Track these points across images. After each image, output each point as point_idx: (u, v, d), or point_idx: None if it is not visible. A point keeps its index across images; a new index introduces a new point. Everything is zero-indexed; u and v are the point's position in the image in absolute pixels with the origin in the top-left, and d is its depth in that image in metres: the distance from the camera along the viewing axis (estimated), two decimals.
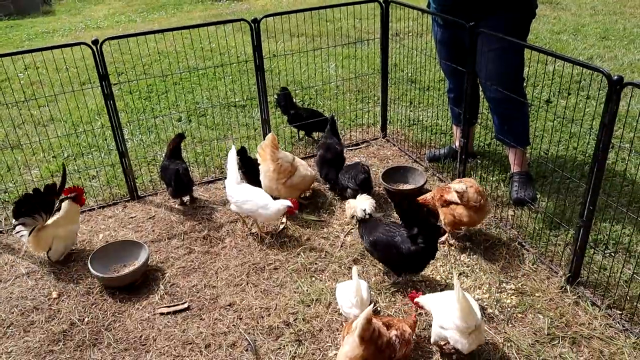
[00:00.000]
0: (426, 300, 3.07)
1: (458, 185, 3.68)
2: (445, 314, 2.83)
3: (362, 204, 3.68)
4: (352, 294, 3.07)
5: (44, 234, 3.75)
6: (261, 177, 4.31)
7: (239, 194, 3.99)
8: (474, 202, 3.62)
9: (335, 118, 4.85)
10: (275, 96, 5.45)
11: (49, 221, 3.80)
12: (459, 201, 3.64)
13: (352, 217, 3.73)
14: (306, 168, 4.39)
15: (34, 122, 6.05)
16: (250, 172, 4.42)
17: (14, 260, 3.99)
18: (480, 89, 4.42)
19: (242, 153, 4.45)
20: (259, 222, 4.09)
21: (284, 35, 7.80)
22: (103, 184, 4.86)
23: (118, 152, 4.47)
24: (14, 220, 3.73)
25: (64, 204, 3.86)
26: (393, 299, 3.43)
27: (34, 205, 3.69)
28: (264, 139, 4.87)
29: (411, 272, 3.54)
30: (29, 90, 6.97)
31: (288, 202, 3.85)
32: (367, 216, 3.63)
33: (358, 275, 3.09)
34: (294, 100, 5.50)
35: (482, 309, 3.29)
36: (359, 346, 2.59)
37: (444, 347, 3.03)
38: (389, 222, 3.65)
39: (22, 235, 3.73)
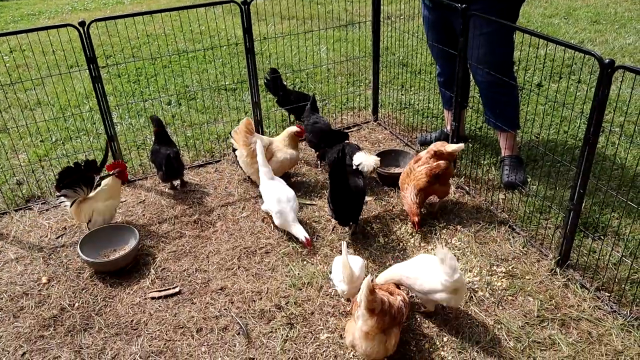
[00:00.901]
0: (394, 273, 3.16)
1: (455, 146, 3.83)
2: (430, 278, 2.94)
3: (367, 160, 3.98)
4: (340, 269, 3.09)
5: (84, 207, 3.83)
6: (240, 163, 4.31)
7: (271, 193, 3.89)
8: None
9: (317, 98, 4.87)
10: (265, 80, 5.40)
11: (91, 194, 3.86)
12: (448, 162, 3.86)
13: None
14: (285, 152, 4.31)
15: (20, 106, 5.97)
16: None
17: (2, 245, 3.96)
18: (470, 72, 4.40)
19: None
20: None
21: (274, 18, 7.72)
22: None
23: (107, 136, 4.42)
24: (56, 191, 3.83)
25: (108, 179, 3.91)
26: None
27: (75, 179, 3.78)
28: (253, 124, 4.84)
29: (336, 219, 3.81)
30: (15, 73, 6.86)
31: (303, 238, 3.68)
32: (355, 167, 3.96)
33: (347, 252, 3.09)
34: (285, 83, 5.45)
35: (473, 291, 3.32)
36: (370, 318, 2.59)
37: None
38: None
39: (65, 205, 3.90)
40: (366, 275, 3.34)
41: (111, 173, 3.92)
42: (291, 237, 3.85)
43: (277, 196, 3.81)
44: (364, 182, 3.94)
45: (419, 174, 3.81)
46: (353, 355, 2.95)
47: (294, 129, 4.38)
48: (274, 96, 5.43)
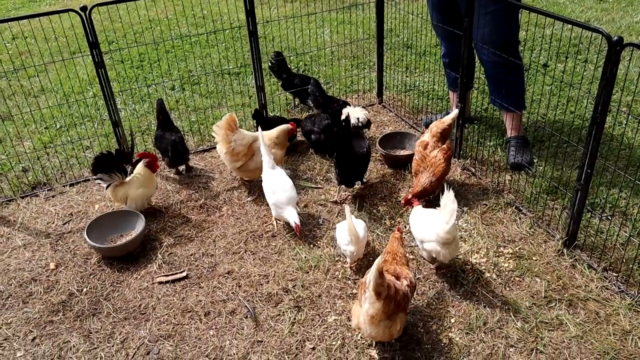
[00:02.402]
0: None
1: (451, 115, 3.93)
2: (424, 227, 3.17)
3: (358, 113, 4.29)
4: (344, 233, 3.24)
5: (119, 191, 3.94)
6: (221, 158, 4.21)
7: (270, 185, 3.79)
8: None
9: (321, 81, 4.91)
10: (269, 63, 5.36)
11: (126, 179, 3.95)
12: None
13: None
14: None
15: (24, 93, 5.96)
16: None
17: (10, 232, 3.97)
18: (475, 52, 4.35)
19: (258, 116, 4.52)
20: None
21: (277, 1, 7.66)
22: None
23: (111, 122, 4.41)
24: (92, 174, 3.99)
25: (141, 168, 3.97)
26: None
27: (108, 165, 3.90)
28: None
29: (342, 182, 3.99)
30: (18, 60, 6.84)
31: (293, 223, 3.60)
32: (360, 124, 4.27)
33: (352, 215, 3.22)
34: (289, 66, 5.42)
35: (480, 273, 3.32)
36: (377, 301, 2.59)
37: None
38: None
39: (102, 186, 4.00)
40: (368, 237, 3.49)
41: (139, 159, 4.02)
42: None
43: (272, 188, 3.74)
44: (368, 144, 4.09)
45: (436, 160, 3.79)
46: (360, 337, 2.96)
47: (287, 126, 4.32)
48: (279, 80, 5.39)
